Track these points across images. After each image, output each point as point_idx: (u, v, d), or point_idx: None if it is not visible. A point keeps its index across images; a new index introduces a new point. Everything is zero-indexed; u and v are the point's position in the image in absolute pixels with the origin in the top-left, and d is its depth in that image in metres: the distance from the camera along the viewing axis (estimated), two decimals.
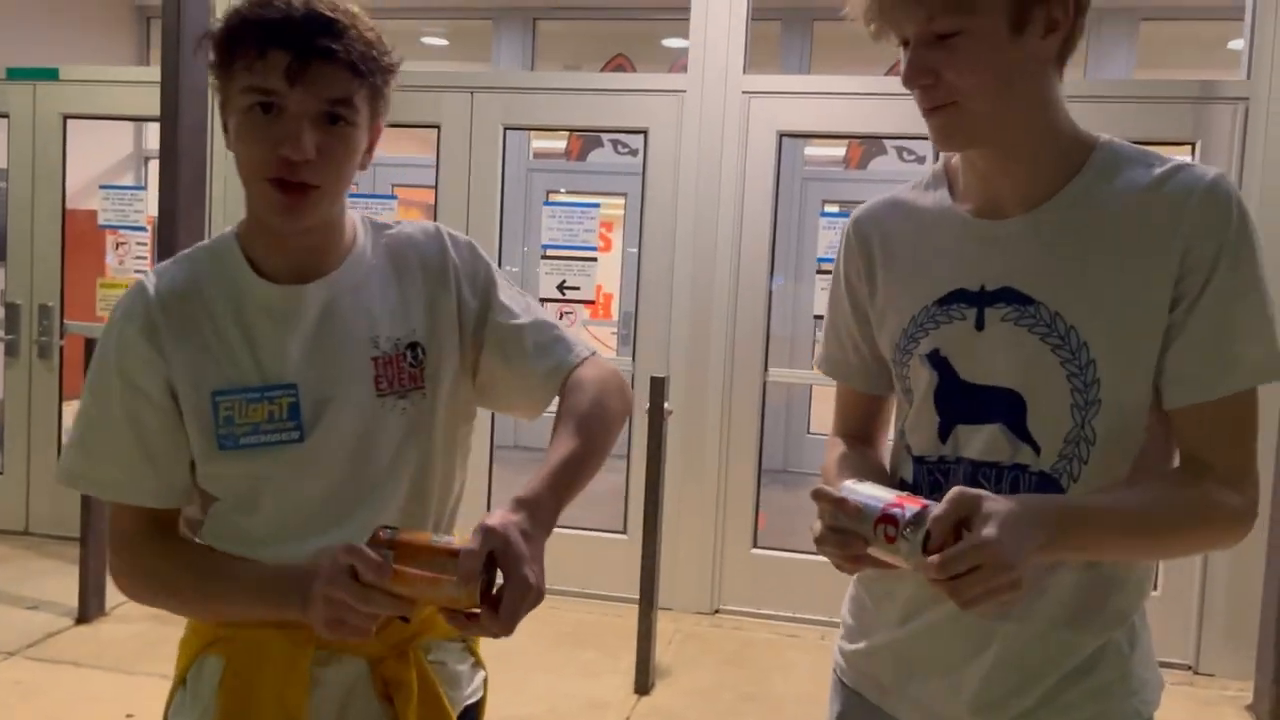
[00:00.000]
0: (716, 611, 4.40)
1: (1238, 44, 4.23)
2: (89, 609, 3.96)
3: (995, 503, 1.00)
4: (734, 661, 3.93)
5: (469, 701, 1.35)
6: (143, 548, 1.24)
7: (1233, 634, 3.82)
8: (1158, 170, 1.13)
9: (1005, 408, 1.15)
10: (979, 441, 1.16)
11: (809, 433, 7.14)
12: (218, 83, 1.19)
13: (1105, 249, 1.12)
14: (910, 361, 1.22)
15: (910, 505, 1.02)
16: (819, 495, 1.09)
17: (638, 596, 3.67)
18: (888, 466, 1.32)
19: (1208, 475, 1.10)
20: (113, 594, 4.02)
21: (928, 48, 1.09)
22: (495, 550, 1.04)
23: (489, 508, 4.59)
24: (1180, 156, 1.15)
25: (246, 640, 1.21)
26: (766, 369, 4.38)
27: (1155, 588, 4.09)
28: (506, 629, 1.04)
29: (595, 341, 8.40)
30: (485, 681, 1.39)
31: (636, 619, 3.66)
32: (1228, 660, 3.86)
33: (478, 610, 1.04)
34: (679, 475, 4.29)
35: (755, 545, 4.41)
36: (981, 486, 1.11)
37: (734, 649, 4.06)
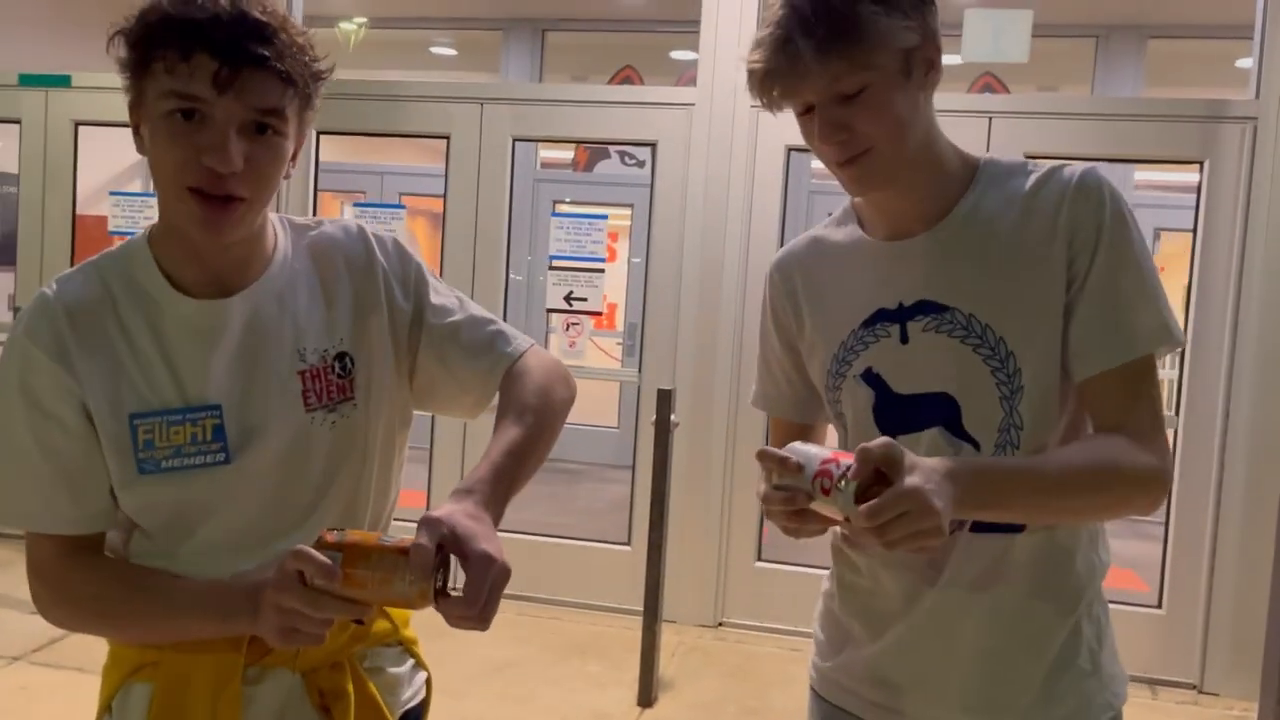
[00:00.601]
0: (720, 625, 4.40)
1: (1246, 62, 4.24)
2: None
3: (919, 458, 1.06)
4: (737, 675, 3.93)
5: (409, 705, 1.31)
6: (67, 575, 1.15)
7: (1238, 654, 3.81)
8: (1035, 175, 1.24)
9: (940, 411, 1.23)
10: (920, 448, 1.19)
11: None
12: (129, 81, 1.11)
13: (1002, 251, 1.22)
14: (843, 385, 1.29)
15: (844, 459, 1.07)
16: (764, 455, 1.13)
17: (642, 609, 3.67)
18: None
19: (1118, 436, 1.17)
20: None
21: (836, 107, 1.16)
22: (444, 540, 1.00)
23: None
24: (1053, 162, 1.26)
25: (174, 665, 1.16)
26: None
27: (1155, 602, 4.07)
28: (480, 612, 1.00)
29: (600, 352, 8.41)
30: (428, 682, 1.36)
31: (640, 631, 3.66)
32: (1233, 680, 3.85)
33: (430, 605, 1.00)
34: (684, 488, 4.29)
35: (759, 559, 4.41)
36: None
37: (737, 662, 4.05)
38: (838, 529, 1.23)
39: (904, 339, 1.24)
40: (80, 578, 1.15)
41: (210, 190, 1.07)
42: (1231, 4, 5.21)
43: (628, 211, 7.46)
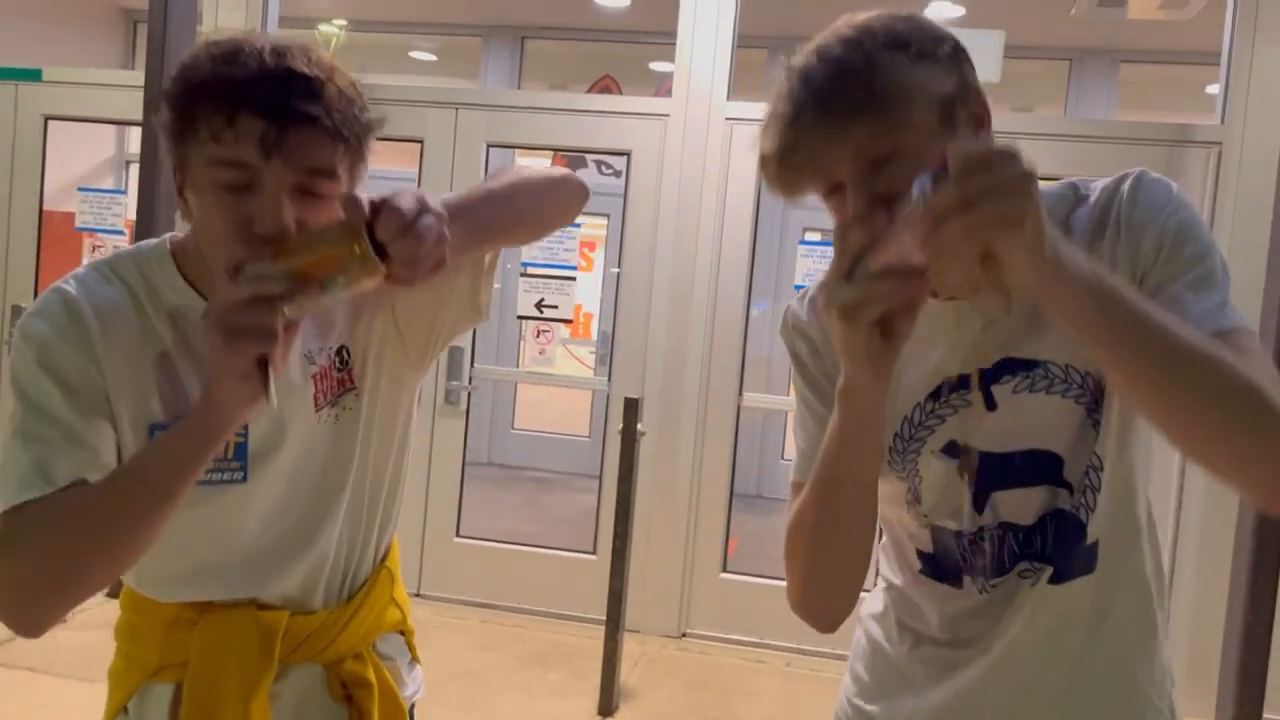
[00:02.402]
0: (684, 635, 4.39)
1: (1214, 88, 4.31)
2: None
3: None
4: (699, 685, 3.92)
5: (414, 700, 1.34)
6: (29, 529, 1.01)
7: (1194, 675, 3.85)
8: (1082, 195, 1.10)
9: (1044, 468, 1.10)
10: (1016, 503, 1.11)
11: (783, 458, 7.16)
12: (173, 146, 1.05)
13: None
14: (918, 460, 1.14)
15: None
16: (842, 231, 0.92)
17: (604, 616, 3.67)
18: (886, 539, 1.25)
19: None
20: None
21: (870, 177, 0.97)
22: (373, 200, 0.97)
23: (459, 525, 4.58)
24: (1102, 182, 1.11)
25: (202, 665, 1.15)
26: (741, 393, 4.40)
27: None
28: (417, 246, 0.96)
29: (574, 361, 8.40)
30: (421, 677, 1.38)
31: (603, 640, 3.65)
32: (1189, 700, 3.88)
33: (381, 271, 0.98)
34: (650, 497, 4.29)
35: (725, 570, 4.42)
36: (1023, 545, 1.11)
37: (699, 673, 4.05)
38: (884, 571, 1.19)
39: (990, 405, 1.09)
40: (37, 524, 1.02)
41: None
42: (1201, 32, 5.29)
43: (604, 221, 7.47)
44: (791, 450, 1.26)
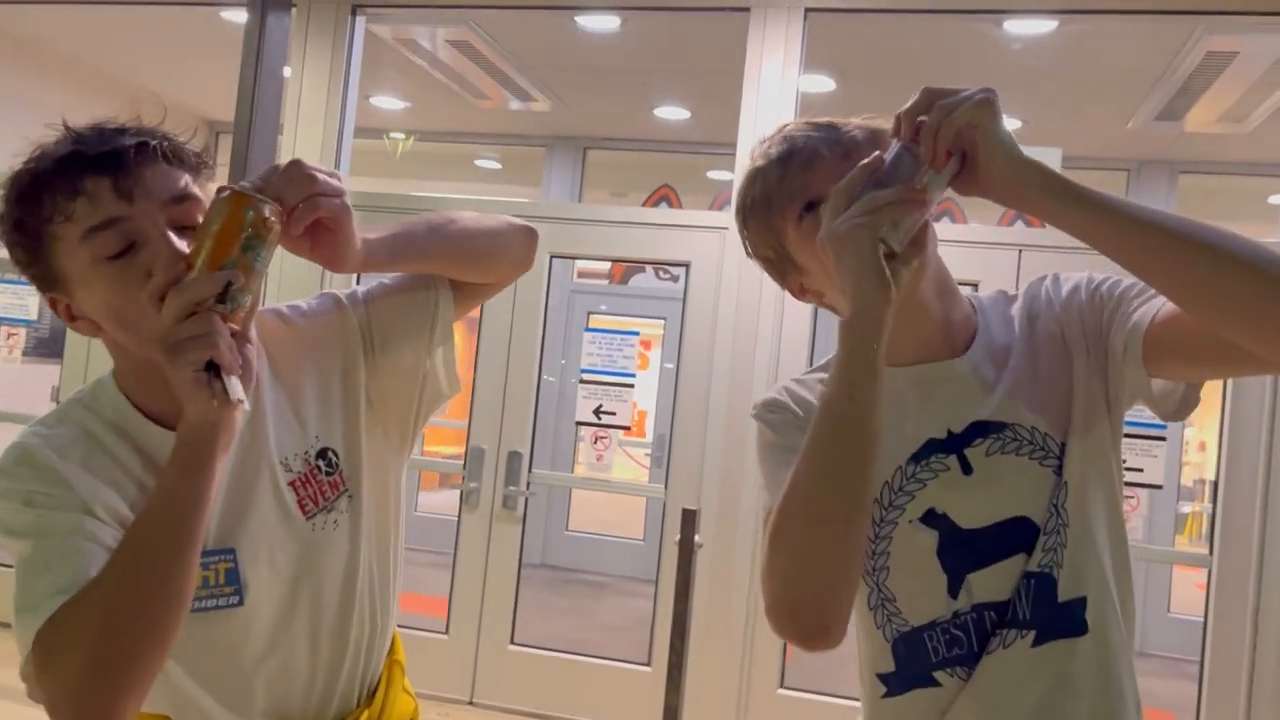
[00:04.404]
0: None
1: (1278, 199, 4.28)
2: None
3: None
4: None
5: None
6: (68, 624, 0.97)
7: None
8: (1011, 297, 1.24)
9: (1020, 537, 1.12)
10: (993, 581, 1.12)
11: None
12: (36, 261, 1.06)
13: (1022, 363, 1.17)
14: (894, 533, 1.16)
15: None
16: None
17: None
18: (861, 653, 1.25)
19: None
20: None
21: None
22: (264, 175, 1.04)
23: (513, 632, 4.56)
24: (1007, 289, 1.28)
25: None
26: None
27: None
28: (282, 190, 1.02)
29: (629, 461, 8.40)
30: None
31: None
32: None
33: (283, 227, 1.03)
34: (706, 608, 4.24)
35: (782, 685, 4.32)
36: (999, 623, 1.12)
37: None
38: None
39: (966, 469, 1.14)
40: (91, 598, 0.98)
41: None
42: (1263, 142, 5.28)
43: (660, 323, 7.56)
44: None
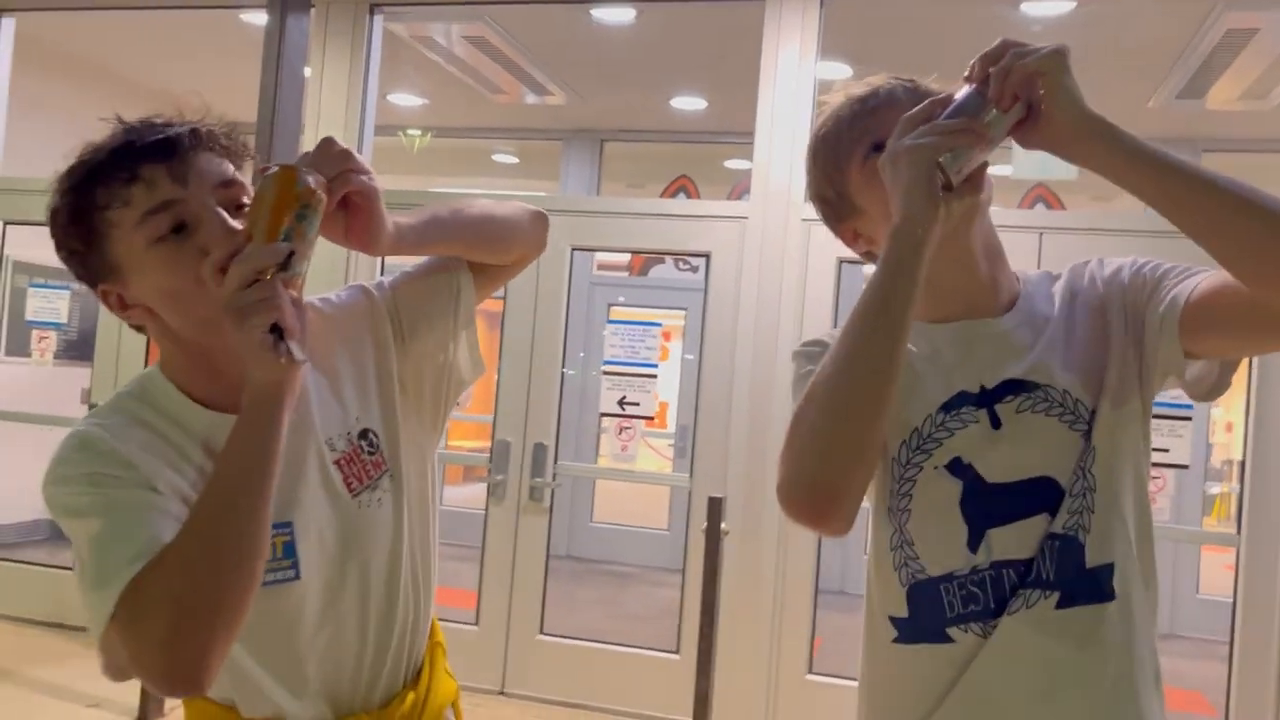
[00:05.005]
0: None
1: None
2: (149, 709, 4.00)
3: None
4: None
5: None
6: (151, 585, 0.98)
7: None
8: (1055, 275, 1.27)
9: (1045, 498, 1.14)
10: (1014, 539, 1.14)
11: (865, 553, 7.03)
12: (92, 254, 1.10)
13: (1071, 328, 1.20)
14: (919, 476, 1.18)
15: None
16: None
17: (690, 718, 3.63)
18: (870, 593, 1.28)
19: None
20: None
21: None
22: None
23: (543, 622, 4.60)
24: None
25: None
26: None
27: None
28: (324, 162, 1.08)
29: (652, 452, 8.43)
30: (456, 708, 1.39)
31: None
32: None
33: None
34: (733, 596, 4.26)
35: (810, 670, 4.34)
36: (1019, 583, 1.13)
37: None
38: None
39: (995, 423, 1.16)
40: (171, 558, 1.00)
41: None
42: None
43: (680, 314, 7.57)
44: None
